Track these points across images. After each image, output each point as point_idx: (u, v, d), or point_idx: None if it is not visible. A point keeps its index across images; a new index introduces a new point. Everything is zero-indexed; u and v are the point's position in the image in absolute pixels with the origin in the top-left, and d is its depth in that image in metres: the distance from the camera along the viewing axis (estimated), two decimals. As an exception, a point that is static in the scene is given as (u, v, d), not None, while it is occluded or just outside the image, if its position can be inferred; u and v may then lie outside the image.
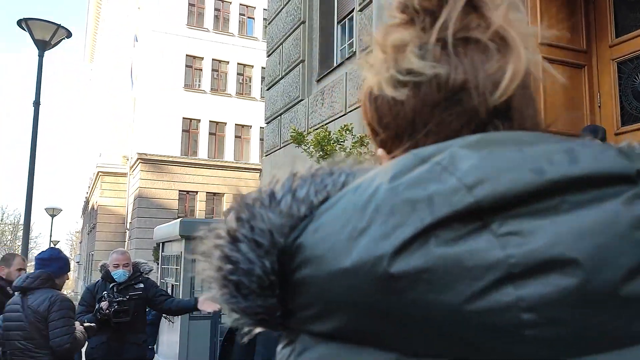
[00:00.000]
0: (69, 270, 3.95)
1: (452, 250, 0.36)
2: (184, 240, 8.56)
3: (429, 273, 0.36)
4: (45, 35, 6.51)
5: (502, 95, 0.47)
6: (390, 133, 0.52)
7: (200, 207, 23.94)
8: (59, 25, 6.56)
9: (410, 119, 0.50)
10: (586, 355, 0.36)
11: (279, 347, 0.47)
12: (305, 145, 4.77)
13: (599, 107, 4.71)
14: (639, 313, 0.36)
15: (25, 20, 6.42)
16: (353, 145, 4.70)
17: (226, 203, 24.26)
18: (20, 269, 4.27)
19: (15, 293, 3.46)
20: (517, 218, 0.37)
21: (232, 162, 24.54)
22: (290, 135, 4.97)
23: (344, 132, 4.61)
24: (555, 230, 0.36)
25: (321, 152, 4.50)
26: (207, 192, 24.11)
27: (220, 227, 0.46)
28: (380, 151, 0.55)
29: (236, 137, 25.18)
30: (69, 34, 6.75)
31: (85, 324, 3.66)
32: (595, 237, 0.35)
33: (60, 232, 55.00)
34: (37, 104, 6.55)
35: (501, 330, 0.35)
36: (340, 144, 4.65)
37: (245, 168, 24.31)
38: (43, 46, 6.55)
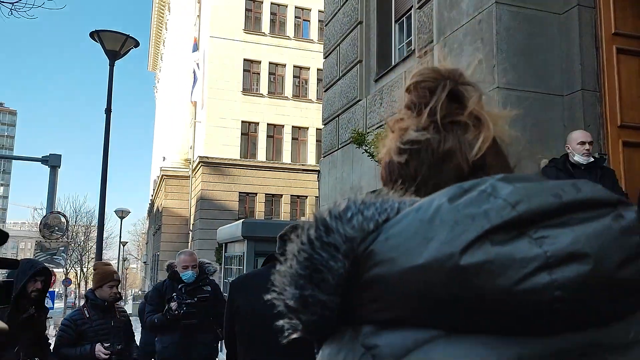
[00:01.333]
0: None
1: (505, 249, 0.51)
2: (246, 241, 8.75)
3: (488, 264, 0.50)
4: (115, 46, 6.82)
5: (477, 154, 0.69)
6: (398, 185, 0.71)
7: (259, 208, 24.33)
8: (127, 36, 6.85)
9: (413, 174, 0.71)
10: (593, 328, 0.52)
11: (327, 344, 0.58)
12: (366, 146, 4.76)
13: (680, 98, 4.43)
14: (629, 293, 0.53)
15: (97, 32, 6.75)
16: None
17: (284, 204, 24.59)
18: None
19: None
20: (546, 228, 0.52)
21: (290, 164, 24.82)
22: (351, 136, 4.97)
23: (406, 131, 4.57)
24: (573, 235, 0.52)
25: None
26: (266, 194, 24.49)
27: (304, 235, 0.57)
28: None
29: (293, 139, 25.45)
30: (137, 44, 7.05)
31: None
32: (598, 240, 0.52)
33: (128, 233, 57.48)
34: (108, 110, 6.87)
35: (540, 304, 0.50)
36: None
37: (303, 169, 24.53)
38: (113, 56, 6.86)
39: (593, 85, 4.36)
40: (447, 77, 0.74)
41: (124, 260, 39.34)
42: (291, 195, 24.76)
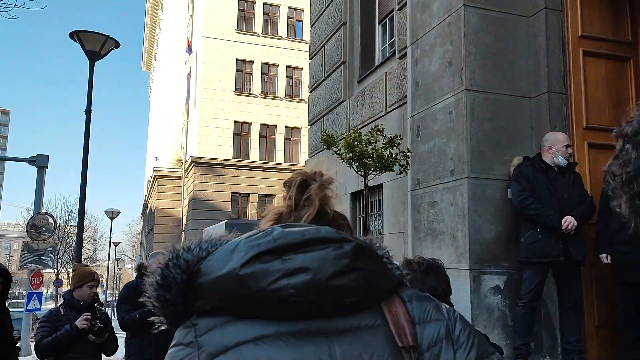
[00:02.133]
0: None
1: (265, 265, 0.84)
2: (229, 242, 8.76)
3: (255, 274, 0.83)
4: (95, 46, 6.83)
5: (306, 220, 1.02)
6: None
7: (252, 209, 24.33)
8: (107, 37, 6.86)
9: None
10: (323, 316, 0.84)
11: (179, 328, 0.89)
12: (336, 148, 4.79)
13: (646, 101, 4.47)
14: (342, 295, 0.84)
15: (77, 32, 6.76)
16: (384, 146, 4.68)
17: (277, 204, 24.55)
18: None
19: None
20: (292, 254, 0.85)
21: (283, 164, 24.84)
22: (321, 139, 5.00)
23: (374, 133, 4.60)
24: (304, 258, 0.85)
25: (351, 154, 4.51)
26: (258, 194, 24.50)
27: (163, 259, 0.92)
28: None
29: (286, 139, 25.48)
30: (117, 45, 7.05)
31: None
32: (319, 261, 0.84)
33: (122, 233, 57.39)
34: (88, 112, 6.88)
35: (282, 299, 0.82)
36: (371, 145, 4.64)
37: (296, 169, 24.50)
38: (93, 56, 6.88)
39: (559, 88, 4.41)
40: (304, 174, 1.12)
41: (117, 261, 39.25)
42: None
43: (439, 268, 1.86)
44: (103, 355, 4.30)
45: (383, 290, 0.90)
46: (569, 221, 3.78)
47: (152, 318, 0.91)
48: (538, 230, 3.87)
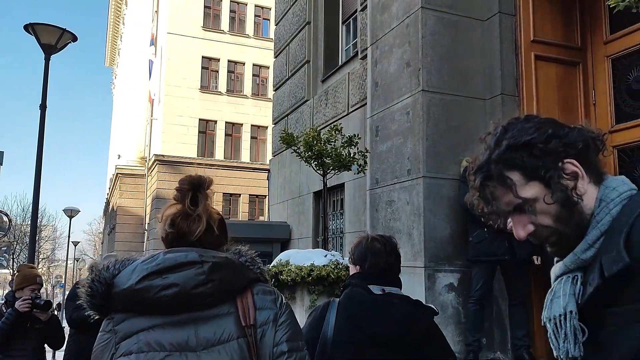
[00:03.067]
0: None
1: (151, 282, 1.30)
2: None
3: (145, 288, 1.30)
4: (51, 40, 6.65)
5: (195, 236, 1.43)
6: (168, 243, 1.48)
7: (217, 208, 24.06)
8: (64, 30, 6.69)
9: (169, 239, 1.48)
10: (190, 312, 1.30)
11: (104, 320, 1.36)
12: (295, 146, 4.81)
13: (594, 104, 4.64)
14: (202, 298, 1.33)
15: (32, 25, 6.58)
16: (342, 145, 4.72)
17: (242, 203, 24.45)
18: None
19: None
20: (169, 273, 1.32)
21: (249, 163, 24.68)
22: (280, 137, 5.01)
23: (333, 132, 4.63)
24: (176, 277, 1.32)
25: (310, 153, 4.53)
26: (223, 193, 24.25)
27: (90, 275, 1.38)
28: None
29: (252, 138, 25.33)
30: (74, 38, 6.89)
31: None
32: (185, 277, 1.30)
33: (83, 232, 55.97)
34: (43, 107, 6.69)
35: (163, 303, 1.29)
36: (330, 144, 4.67)
37: (262, 169, 24.40)
38: (49, 50, 6.70)
39: (512, 90, 4.53)
40: (194, 185, 1.46)
41: (77, 260, 38.30)
42: (250, 195, 24.63)
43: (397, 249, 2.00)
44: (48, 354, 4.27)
45: (237, 288, 1.36)
46: None
47: (88, 312, 1.37)
48: (485, 230, 3.97)
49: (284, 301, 1.40)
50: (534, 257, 4.04)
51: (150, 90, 24.74)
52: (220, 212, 1.54)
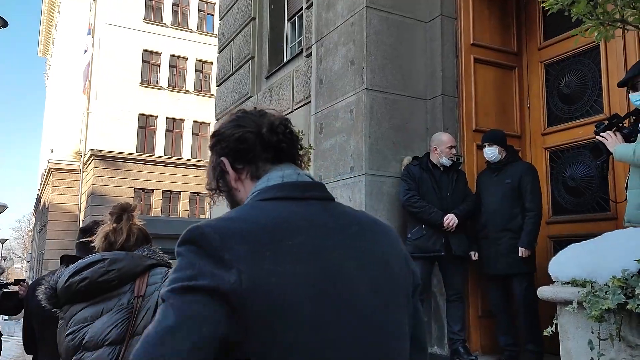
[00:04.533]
0: None
1: (74, 279, 2.00)
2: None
3: (70, 283, 2.00)
4: (-23, 24, 6.25)
5: (119, 244, 2.15)
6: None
7: (156, 205, 23.51)
8: (-9, 14, 6.30)
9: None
10: (102, 295, 1.97)
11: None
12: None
13: (528, 108, 4.84)
14: (107, 284, 2.01)
15: (-45, 7, 6.15)
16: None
17: (183, 201, 23.95)
18: None
19: None
20: (82, 271, 2.02)
21: (190, 160, 24.18)
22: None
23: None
24: (87, 272, 2.01)
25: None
26: (163, 190, 23.71)
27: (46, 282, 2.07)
28: None
29: (194, 134, 24.85)
30: (4, 24, 6.51)
31: None
32: (92, 272, 1.98)
33: (12, 230, 53.02)
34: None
35: (84, 291, 1.97)
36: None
37: (203, 166, 23.85)
38: (-25, 34, 6.28)
39: (452, 92, 4.65)
40: (122, 209, 2.13)
41: (4, 259, 36.28)
42: (190, 193, 24.13)
43: None
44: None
45: (138, 272, 1.98)
46: (450, 219, 4.01)
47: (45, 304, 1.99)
48: (423, 226, 4.07)
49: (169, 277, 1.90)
50: (472, 253, 4.17)
51: (87, 83, 23.75)
52: (145, 228, 2.19)
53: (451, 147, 4.20)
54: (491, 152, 4.14)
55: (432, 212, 4.05)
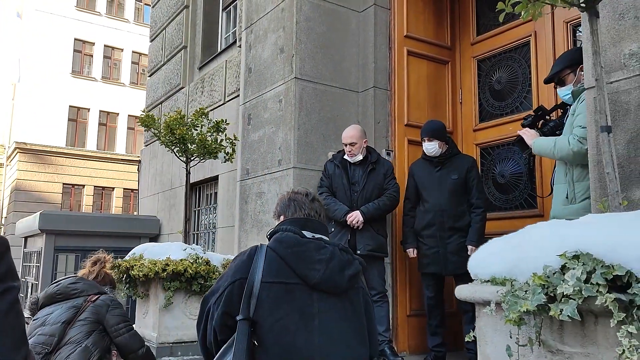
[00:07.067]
0: None
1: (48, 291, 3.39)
2: (44, 235, 7.80)
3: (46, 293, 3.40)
4: None
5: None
6: None
7: (87, 202, 22.39)
8: None
9: None
10: (66, 301, 3.09)
11: None
12: (155, 130, 4.40)
13: (461, 103, 4.77)
14: (68, 295, 3.13)
15: None
16: (208, 131, 4.41)
17: (116, 197, 22.95)
18: None
19: None
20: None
21: (124, 155, 23.19)
22: (140, 118, 4.56)
23: (199, 116, 4.30)
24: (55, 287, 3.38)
25: (171, 137, 4.16)
26: (95, 186, 22.61)
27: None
28: None
29: (129, 128, 23.84)
30: None
31: None
32: (64, 286, 3.30)
33: None
34: None
35: (52, 297, 3.26)
36: (196, 129, 4.33)
37: (138, 161, 23.09)
38: None
39: (385, 84, 4.51)
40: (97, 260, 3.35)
41: None
42: (124, 189, 23.14)
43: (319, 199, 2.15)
44: None
45: (91, 293, 3.03)
46: (353, 216, 3.78)
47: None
48: (333, 223, 3.86)
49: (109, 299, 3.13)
50: (410, 250, 3.94)
51: (12, 72, 22.30)
52: (112, 276, 3.45)
53: (347, 145, 3.93)
54: (432, 147, 3.87)
55: (336, 208, 3.84)
